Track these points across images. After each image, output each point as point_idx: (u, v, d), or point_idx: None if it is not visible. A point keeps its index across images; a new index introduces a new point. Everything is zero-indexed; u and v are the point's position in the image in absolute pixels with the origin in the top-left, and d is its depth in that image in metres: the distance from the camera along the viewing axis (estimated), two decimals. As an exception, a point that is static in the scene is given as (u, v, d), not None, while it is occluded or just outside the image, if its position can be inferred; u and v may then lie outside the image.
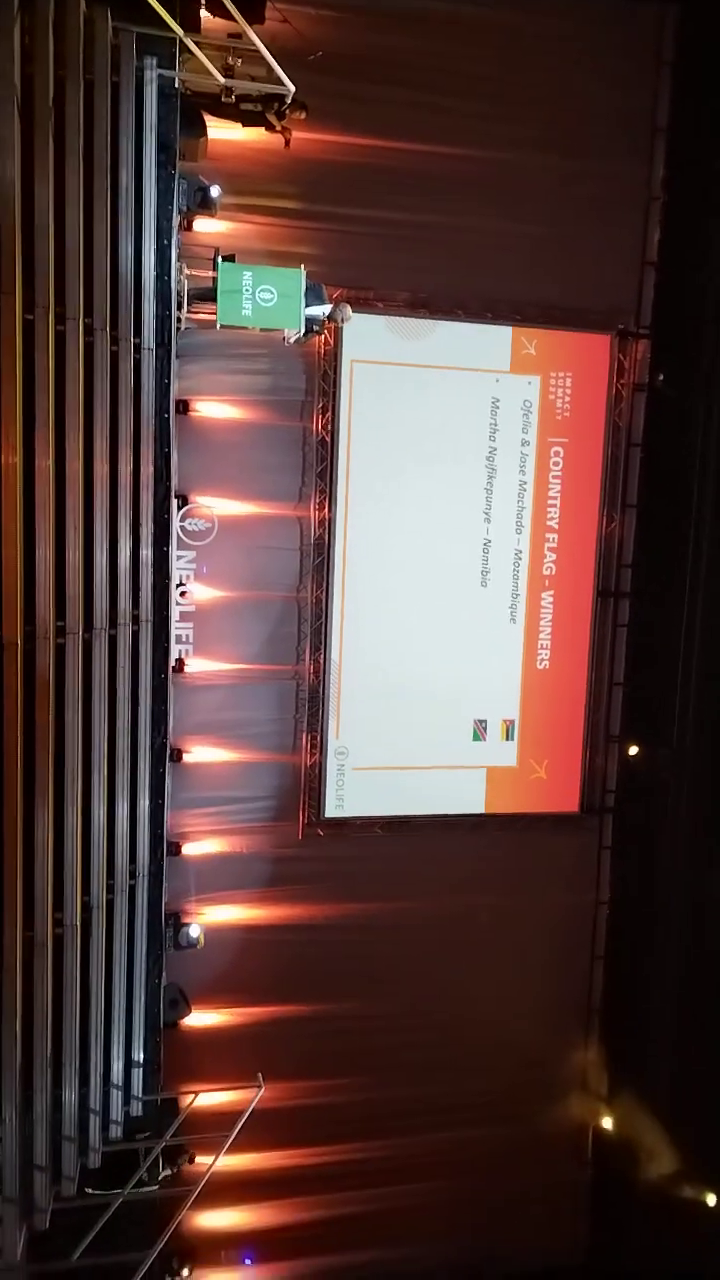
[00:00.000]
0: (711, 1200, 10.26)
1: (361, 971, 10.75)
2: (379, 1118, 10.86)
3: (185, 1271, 9.82)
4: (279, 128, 8.63)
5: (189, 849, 10.16)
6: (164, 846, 8.23)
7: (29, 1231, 7.57)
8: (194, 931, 9.43)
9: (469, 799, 11.22)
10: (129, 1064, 7.85)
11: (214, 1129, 8.15)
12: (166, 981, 8.50)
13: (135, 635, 7.77)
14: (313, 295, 8.06)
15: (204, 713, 10.21)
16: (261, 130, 8.75)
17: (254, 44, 7.12)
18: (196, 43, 7.17)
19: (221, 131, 8.76)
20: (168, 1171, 8.37)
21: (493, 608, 11.11)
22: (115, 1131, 7.73)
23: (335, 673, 10.62)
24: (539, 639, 11.29)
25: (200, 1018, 10.03)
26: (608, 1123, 11.47)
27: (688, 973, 10.81)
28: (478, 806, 11.25)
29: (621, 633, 11.53)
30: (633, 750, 11.47)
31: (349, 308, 8.60)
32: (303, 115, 8.67)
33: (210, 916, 10.18)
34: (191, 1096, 8.16)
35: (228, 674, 10.30)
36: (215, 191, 8.29)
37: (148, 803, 8.17)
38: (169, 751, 8.72)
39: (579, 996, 11.67)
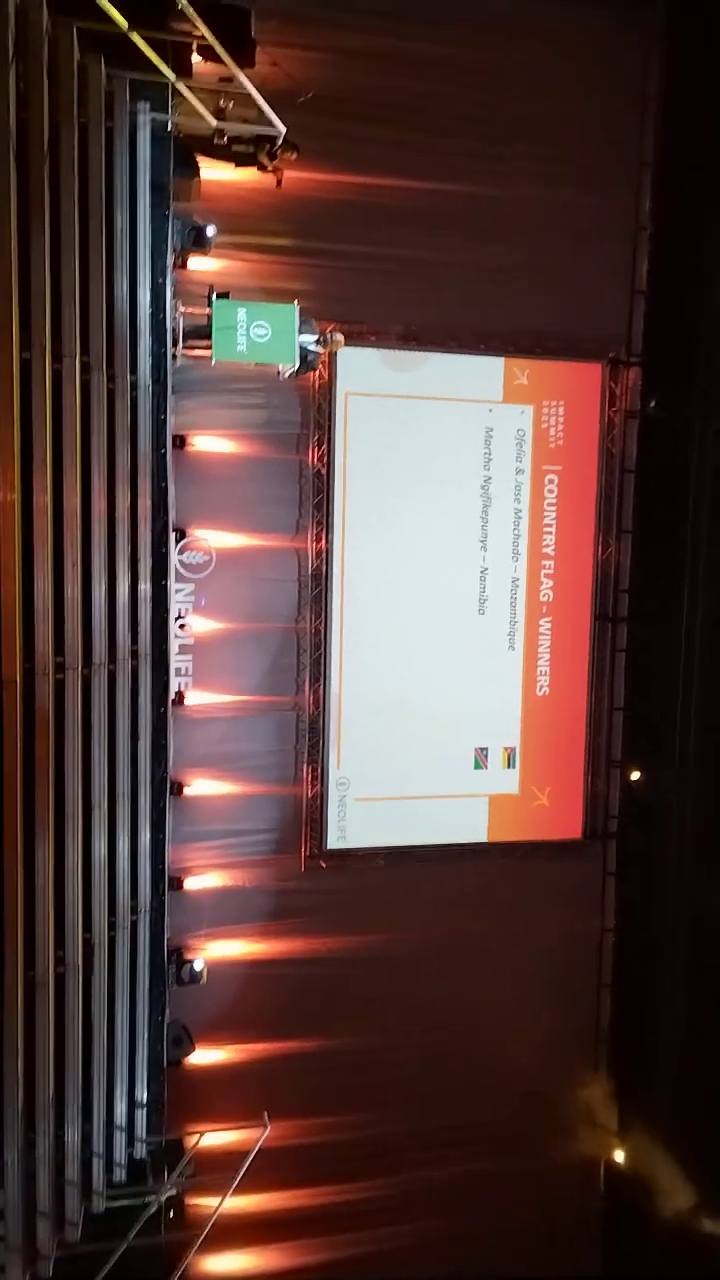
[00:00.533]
0: (726, 1232, 10.08)
1: (367, 1004, 10.63)
2: (387, 1153, 10.69)
3: None
4: (271, 168, 8.78)
5: (191, 883, 10.07)
6: (166, 881, 8.16)
7: (32, 1279, 7.42)
8: (198, 966, 9.33)
9: (471, 828, 11.16)
10: (132, 1104, 7.72)
11: (220, 1169, 8.02)
12: (170, 1019, 8.39)
13: (134, 669, 7.77)
14: (305, 329, 8.16)
15: (204, 745, 10.18)
16: (254, 170, 8.90)
17: (245, 87, 7.26)
18: (188, 87, 7.31)
19: (214, 172, 8.91)
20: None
21: (491, 635, 11.12)
22: (119, 1174, 7.60)
23: (335, 703, 10.61)
24: (538, 665, 11.29)
25: (204, 1055, 9.90)
26: (619, 1153, 11.29)
27: (696, 998, 10.69)
28: (480, 835, 11.19)
29: (620, 657, 11.54)
30: (634, 775, 11.44)
31: (340, 336, 8.70)
32: (294, 155, 8.82)
33: (213, 951, 10.08)
34: (196, 1137, 8.03)
35: (228, 706, 10.28)
36: (211, 231, 8.40)
37: (149, 837, 8.12)
38: (170, 785, 8.68)
39: (586, 1025, 11.54)
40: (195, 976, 9.25)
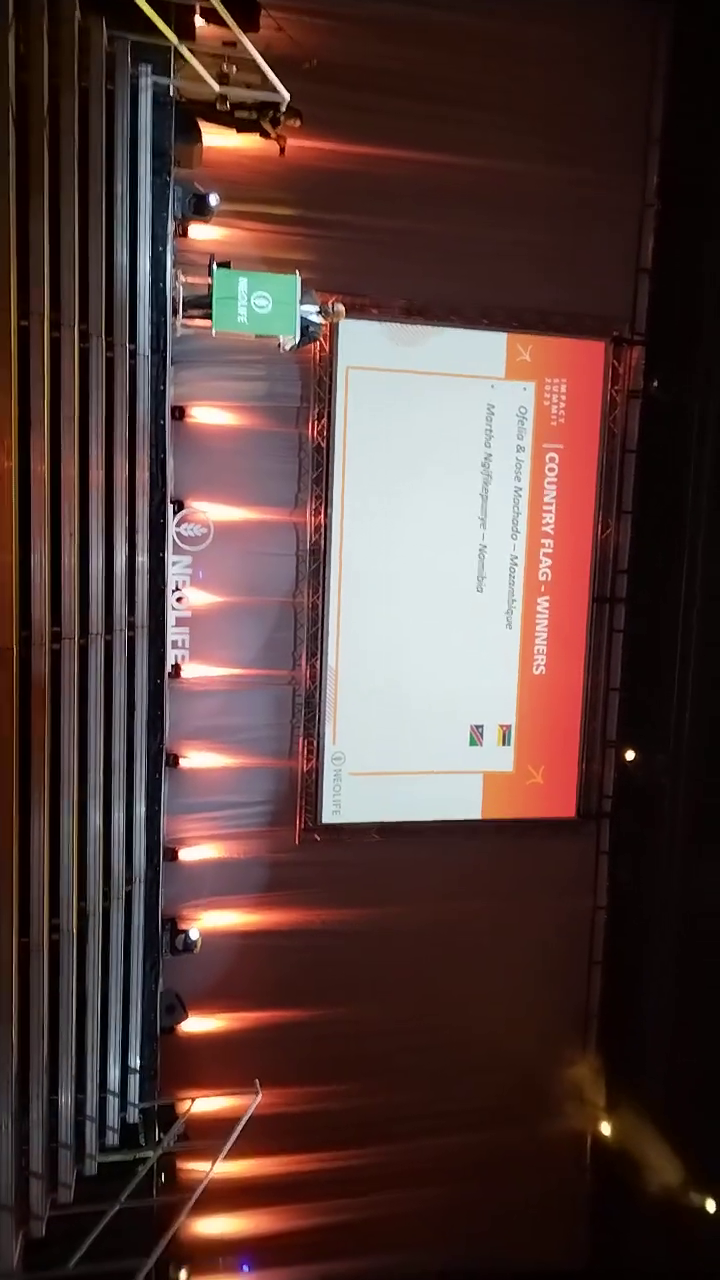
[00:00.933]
0: (711, 1207, 10.23)
1: (359, 977, 10.73)
2: (376, 1124, 10.83)
3: (182, 1277, 9.77)
4: (274, 135, 8.67)
5: (185, 854, 10.15)
6: (161, 852, 8.22)
7: (25, 1239, 7.53)
8: (192, 935, 9.42)
9: (466, 804, 11.22)
10: (126, 1070, 7.82)
11: (211, 1135, 8.13)
12: (163, 987, 8.48)
13: (131, 641, 7.78)
14: (306, 301, 8.09)
15: (200, 718, 10.22)
16: (256, 138, 8.80)
17: (249, 52, 7.15)
18: (191, 50, 7.21)
19: (216, 139, 8.81)
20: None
21: (489, 613, 11.13)
22: (112, 1138, 7.71)
23: (332, 678, 10.64)
24: (535, 644, 11.30)
25: (197, 1023, 10.01)
26: (606, 1129, 11.44)
27: (686, 978, 10.81)
28: (474, 812, 11.26)
29: (618, 638, 11.55)
30: (629, 755, 11.49)
31: (342, 306, 8.64)
32: (297, 123, 8.71)
33: (207, 922, 10.17)
34: (189, 1102, 8.13)
35: (224, 679, 10.31)
36: (214, 200, 8.31)
37: (144, 808, 8.16)
38: (165, 757, 8.73)
39: (577, 1002, 11.65)
40: (189, 945, 9.34)
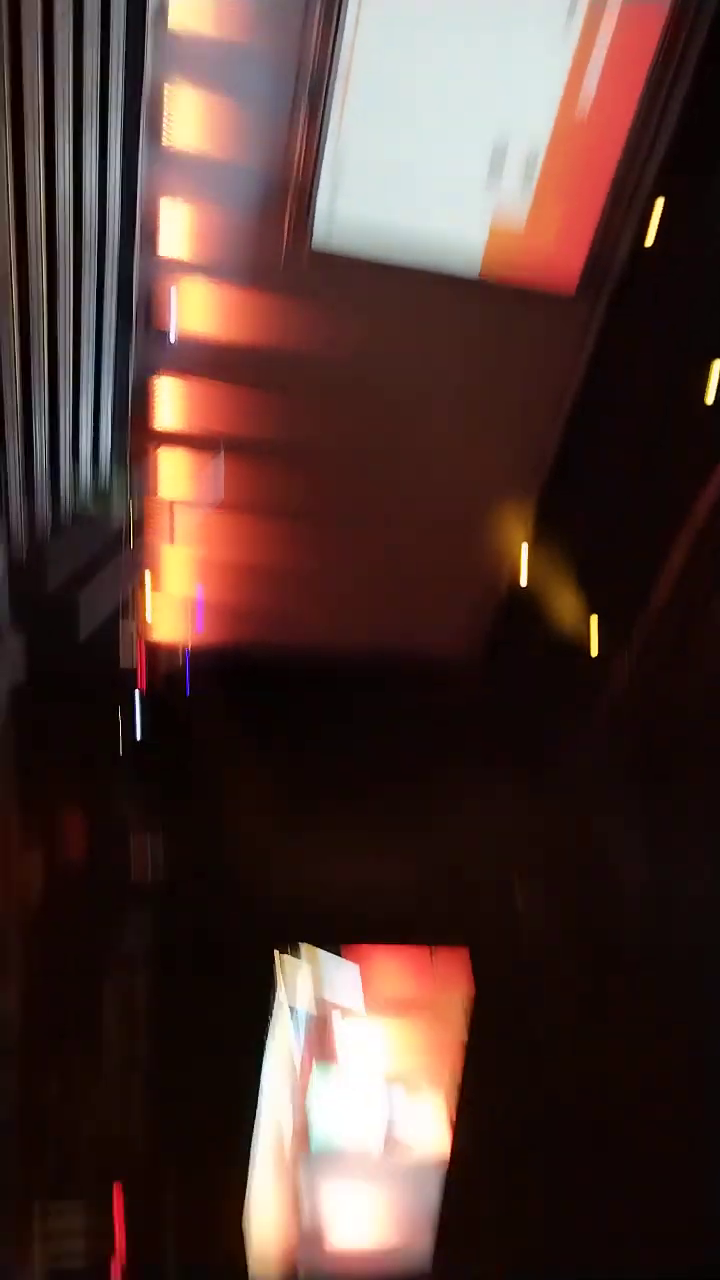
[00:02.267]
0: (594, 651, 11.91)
1: (324, 404, 10.92)
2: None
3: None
4: None
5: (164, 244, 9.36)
6: (136, 207, 7.62)
7: (8, 562, 8.55)
8: (169, 322, 9.17)
9: (467, 253, 10.35)
10: (98, 414, 8.15)
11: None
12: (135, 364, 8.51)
13: None
14: None
15: (188, 58, 8.49)
16: None
17: None
18: None
19: None
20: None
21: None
22: (85, 473, 8.33)
23: (346, 54, 8.94)
24: (590, 58, 9.42)
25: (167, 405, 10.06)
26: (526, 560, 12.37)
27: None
28: (474, 266, 10.43)
29: (686, 70, 9.58)
30: (657, 217, 10.33)
31: None
32: None
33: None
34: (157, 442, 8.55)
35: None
36: None
37: (119, 166, 7.41)
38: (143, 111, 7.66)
39: (534, 459, 12.06)
40: (165, 331, 9.16)
